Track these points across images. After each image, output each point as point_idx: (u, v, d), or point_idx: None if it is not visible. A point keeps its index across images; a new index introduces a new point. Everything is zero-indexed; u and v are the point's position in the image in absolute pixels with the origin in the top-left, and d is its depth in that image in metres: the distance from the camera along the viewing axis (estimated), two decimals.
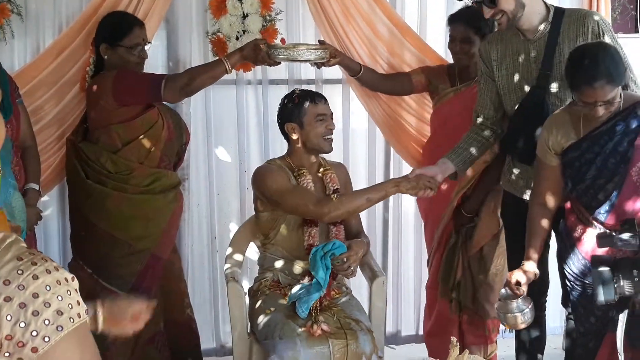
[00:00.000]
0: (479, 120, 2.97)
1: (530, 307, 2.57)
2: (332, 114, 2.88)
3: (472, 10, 3.25)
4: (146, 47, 3.02)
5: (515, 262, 3.04)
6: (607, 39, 2.64)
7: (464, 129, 3.06)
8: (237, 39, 3.30)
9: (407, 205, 3.75)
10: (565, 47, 2.68)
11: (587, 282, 2.58)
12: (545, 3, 2.75)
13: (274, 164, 2.87)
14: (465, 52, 3.19)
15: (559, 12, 2.74)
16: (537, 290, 2.97)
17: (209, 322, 3.69)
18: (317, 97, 2.86)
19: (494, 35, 2.99)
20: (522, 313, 2.55)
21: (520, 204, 2.91)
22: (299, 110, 2.83)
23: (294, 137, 2.83)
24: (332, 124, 2.87)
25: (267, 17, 3.33)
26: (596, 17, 2.70)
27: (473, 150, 2.93)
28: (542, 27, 2.71)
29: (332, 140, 2.88)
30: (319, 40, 3.26)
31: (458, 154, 2.92)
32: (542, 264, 2.98)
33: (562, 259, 2.71)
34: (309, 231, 2.82)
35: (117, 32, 2.98)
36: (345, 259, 2.70)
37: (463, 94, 3.26)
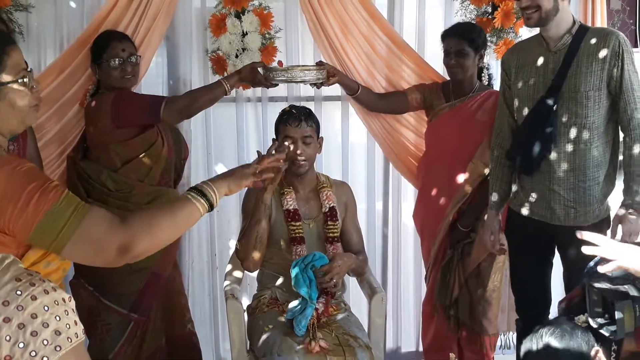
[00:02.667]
0: (499, 131, 2.99)
1: None
2: (306, 137, 2.84)
3: (465, 24, 3.33)
4: (131, 60, 3.01)
5: (517, 281, 3.06)
6: (625, 59, 2.64)
7: (459, 144, 3.10)
8: (236, 56, 3.32)
9: (407, 220, 3.75)
10: (584, 61, 2.68)
11: None
12: (573, 16, 2.77)
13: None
14: (460, 65, 3.21)
15: (584, 27, 2.76)
16: (539, 309, 2.98)
17: (208, 339, 3.69)
18: (291, 119, 2.84)
19: (517, 44, 3.05)
20: None
21: (521, 221, 2.92)
22: (277, 128, 2.90)
23: None
24: (301, 149, 2.83)
25: (267, 35, 3.34)
26: (620, 37, 2.69)
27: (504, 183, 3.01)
28: (565, 38, 2.73)
29: (302, 164, 2.85)
30: (317, 62, 3.28)
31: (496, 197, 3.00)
32: (544, 282, 2.99)
33: None
34: (294, 249, 2.83)
35: (98, 49, 3.02)
36: (325, 271, 2.69)
37: (458, 109, 3.29)
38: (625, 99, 2.67)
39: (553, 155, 2.75)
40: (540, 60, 2.79)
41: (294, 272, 2.67)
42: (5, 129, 1.68)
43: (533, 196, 2.85)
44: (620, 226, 2.69)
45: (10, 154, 1.72)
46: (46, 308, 1.25)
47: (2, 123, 1.66)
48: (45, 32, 3.35)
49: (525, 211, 2.89)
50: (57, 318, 1.25)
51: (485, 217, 3.08)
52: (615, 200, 2.82)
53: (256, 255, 2.76)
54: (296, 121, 2.83)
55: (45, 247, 1.50)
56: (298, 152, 2.82)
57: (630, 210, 2.67)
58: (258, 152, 2.74)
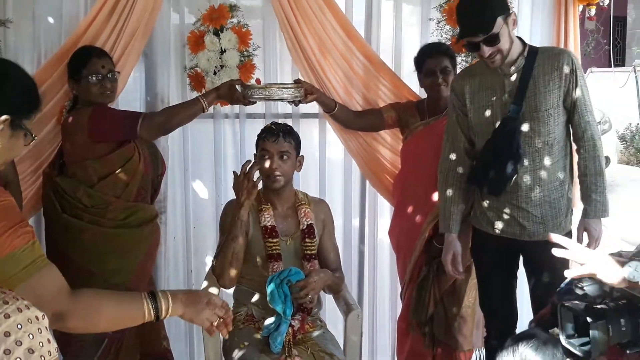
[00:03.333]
0: (452, 156, 3.00)
1: None
2: (282, 152, 2.83)
3: (438, 44, 3.39)
4: (109, 76, 3.01)
5: (487, 299, 3.09)
6: (578, 75, 2.74)
7: (434, 162, 3.11)
8: (214, 73, 3.33)
9: (383, 237, 3.77)
10: (540, 81, 2.75)
11: None
12: (521, 39, 2.84)
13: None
14: (446, 82, 3.26)
15: (534, 49, 2.82)
16: (508, 324, 3.00)
17: (184, 357, 3.68)
18: (269, 134, 2.85)
19: (466, 70, 3.07)
20: None
21: (489, 240, 2.95)
22: (257, 143, 2.91)
23: None
24: (277, 164, 2.82)
25: (245, 53, 3.36)
26: (571, 54, 2.79)
27: (462, 206, 3.01)
28: (518, 61, 2.78)
29: (277, 179, 2.84)
30: (295, 80, 3.30)
31: (454, 220, 3.00)
32: (512, 297, 3.03)
33: None
34: (271, 265, 2.83)
35: (77, 64, 3.02)
36: (301, 287, 2.70)
37: (433, 127, 3.33)
38: (579, 113, 2.77)
39: (519, 174, 2.80)
40: (497, 85, 2.83)
41: (269, 288, 2.68)
42: None
43: (501, 215, 2.88)
44: (585, 234, 2.81)
45: None
46: (19, 326, 1.25)
47: None
48: (23, 48, 3.33)
49: (494, 230, 2.92)
50: (31, 336, 1.25)
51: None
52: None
53: (232, 272, 2.76)
54: (274, 136, 2.84)
55: None
56: (273, 166, 2.83)
57: (593, 218, 2.80)
58: (234, 172, 2.75)
